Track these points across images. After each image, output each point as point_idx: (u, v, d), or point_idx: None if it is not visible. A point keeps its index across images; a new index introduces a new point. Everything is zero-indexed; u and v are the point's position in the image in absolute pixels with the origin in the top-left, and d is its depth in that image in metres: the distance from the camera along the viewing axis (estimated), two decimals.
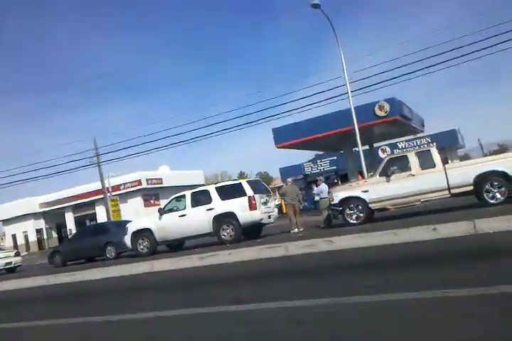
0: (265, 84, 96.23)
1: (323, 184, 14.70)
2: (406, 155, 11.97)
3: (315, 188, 14.98)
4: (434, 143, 31.54)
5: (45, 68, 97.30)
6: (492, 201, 10.40)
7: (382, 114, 21.92)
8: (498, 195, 10.39)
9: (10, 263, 19.68)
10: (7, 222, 46.03)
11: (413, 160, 11.53)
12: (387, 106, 21.75)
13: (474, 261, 5.02)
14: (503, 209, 8.29)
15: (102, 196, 33.23)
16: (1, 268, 19.33)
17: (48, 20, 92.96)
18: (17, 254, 20.94)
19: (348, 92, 19.54)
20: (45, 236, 46.02)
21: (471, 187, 10.75)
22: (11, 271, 19.51)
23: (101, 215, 38.01)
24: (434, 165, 11.32)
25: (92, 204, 41.22)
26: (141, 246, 14.19)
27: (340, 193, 12.19)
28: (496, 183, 10.43)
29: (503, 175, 10.40)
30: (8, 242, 45.83)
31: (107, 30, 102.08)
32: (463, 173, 10.89)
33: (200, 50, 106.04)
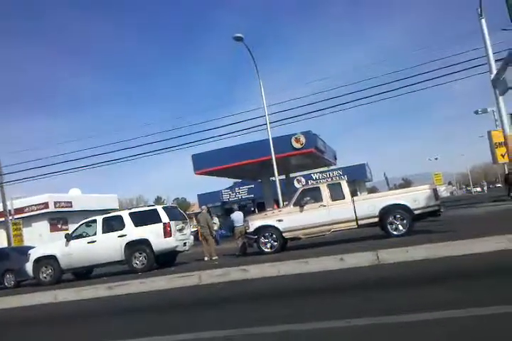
0: (187, 111, 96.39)
1: (237, 212, 14.91)
2: (319, 187, 12.53)
3: (232, 216, 15.13)
4: (345, 176, 33.42)
5: None
6: (395, 232, 11.17)
7: (298, 145, 22.90)
8: (401, 227, 11.20)
9: None
10: None
11: (325, 192, 12.09)
12: (303, 139, 22.79)
13: (377, 290, 5.35)
14: (404, 241, 8.93)
15: (3, 219, 30.66)
16: None
17: None
18: None
19: (267, 123, 20.25)
20: None
21: (377, 219, 11.48)
22: None
23: (1, 239, 34.90)
24: (343, 197, 11.96)
25: None
26: (44, 275, 13.28)
27: (256, 222, 12.40)
28: (398, 216, 11.24)
29: (405, 208, 11.27)
30: None
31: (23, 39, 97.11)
32: (369, 205, 11.61)
33: (123, 75, 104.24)
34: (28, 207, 36.41)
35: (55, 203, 37.57)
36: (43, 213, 36.88)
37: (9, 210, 29.89)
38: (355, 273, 6.80)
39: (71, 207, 38.47)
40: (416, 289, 5.04)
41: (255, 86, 20.88)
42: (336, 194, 12.08)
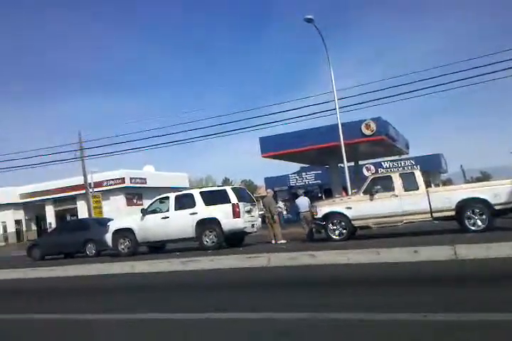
0: (256, 95, 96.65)
1: (302, 197, 14.91)
2: (390, 176, 12.22)
3: (297, 201, 15.17)
4: (418, 166, 32.17)
5: (33, 57, 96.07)
6: (473, 228, 10.66)
7: (368, 132, 22.26)
8: (479, 223, 10.67)
9: None
10: None
11: (397, 181, 11.77)
12: (373, 125, 22.11)
13: (454, 286, 5.20)
14: (484, 237, 8.54)
15: (83, 191, 32.91)
16: None
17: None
18: None
19: (336, 108, 19.85)
20: (24, 228, 45.22)
21: (453, 213, 11.02)
22: None
23: (82, 211, 37.56)
24: (417, 188, 11.58)
25: (73, 199, 40.73)
26: (122, 246, 14.10)
27: (324, 208, 12.36)
28: (477, 210, 10.72)
29: (485, 202, 10.71)
30: None
31: (107, 25, 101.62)
32: (445, 198, 11.16)
33: (197, 56, 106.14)
34: (106, 181, 38.69)
35: (131, 179, 39.66)
36: (119, 188, 39.10)
37: (89, 183, 31.99)
38: (429, 267, 6.63)
39: (145, 183, 40.44)
40: (497, 288, 4.84)
41: (326, 71, 20.40)
42: (409, 184, 11.72)
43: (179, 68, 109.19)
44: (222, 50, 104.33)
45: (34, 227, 45.85)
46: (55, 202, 42.90)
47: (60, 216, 42.34)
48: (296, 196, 15.97)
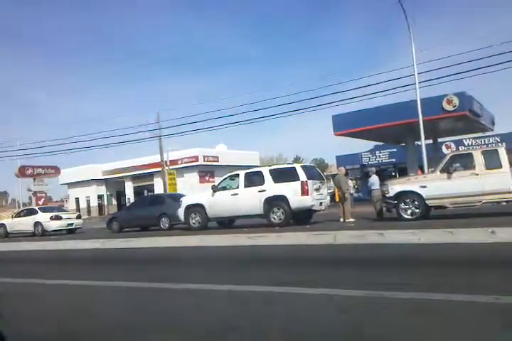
0: (331, 70, 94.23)
1: (374, 176, 14.45)
2: (471, 153, 11.48)
3: (369, 180, 14.73)
4: (503, 144, 29.88)
5: (113, 39, 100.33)
6: None
7: (450, 108, 20.97)
8: None
9: (71, 224, 20.94)
10: (72, 185, 48.81)
11: (478, 159, 11.02)
12: (456, 100, 20.77)
13: None
14: None
15: (160, 169, 34.43)
16: (63, 228, 20.60)
17: None
18: (78, 217, 22.24)
19: (415, 83, 18.83)
20: (105, 203, 48.53)
21: None
22: (71, 232, 20.78)
23: (158, 187, 39.45)
24: (500, 166, 10.78)
25: (150, 176, 42.76)
26: (193, 221, 14.63)
27: (396, 186, 11.91)
28: None
29: None
30: (72, 205, 48.70)
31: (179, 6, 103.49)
32: None
33: (268, 32, 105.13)
34: (181, 159, 40.09)
35: (204, 157, 40.79)
36: (193, 165, 40.42)
37: (165, 161, 33.35)
38: (507, 249, 6.17)
39: (217, 161, 41.41)
40: None
41: (406, 43, 19.25)
42: (492, 162, 10.92)
43: (251, 46, 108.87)
44: (294, 27, 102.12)
45: (114, 202, 49.01)
46: (134, 178, 45.33)
47: (138, 191, 44.74)
48: (368, 175, 15.52)
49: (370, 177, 14.66)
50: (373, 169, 15.84)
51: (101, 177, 47.39)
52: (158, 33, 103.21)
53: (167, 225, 16.79)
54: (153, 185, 42.75)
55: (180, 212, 14.92)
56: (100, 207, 48.34)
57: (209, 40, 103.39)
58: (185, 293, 4.98)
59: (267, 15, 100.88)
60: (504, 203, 11.63)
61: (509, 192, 10.51)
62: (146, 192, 43.51)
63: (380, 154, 36.97)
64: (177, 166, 38.65)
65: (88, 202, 48.56)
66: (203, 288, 5.03)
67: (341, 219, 13.64)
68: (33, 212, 21.55)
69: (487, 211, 11.46)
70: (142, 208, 17.99)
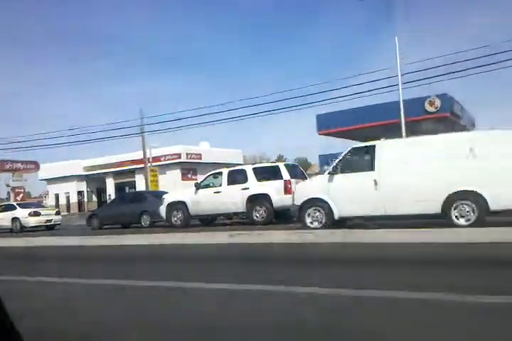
0: (315, 71, 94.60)
1: None
2: None
3: None
4: None
5: (93, 35, 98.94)
6: None
7: (432, 109, 21.35)
8: None
9: (50, 220, 20.62)
10: (51, 181, 48.02)
11: None
12: (438, 102, 21.15)
13: None
14: None
15: (142, 165, 34.10)
16: (42, 224, 20.27)
17: None
18: (57, 213, 21.92)
19: (398, 84, 19.02)
20: (85, 199, 47.85)
21: None
22: (50, 229, 20.45)
23: (140, 184, 39.07)
24: None
25: (132, 173, 42.34)
26: (175, 218, 14.52)
27: None
28: None
29: None
30: (51, 201, 47.92)
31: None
32: None
33: (251, 32, 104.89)
34: (164, 156, 39.81)
35: (187, 154, 40.58)
36: (176, 163, 40.17)
37: (148, 158, 33.05)
38: None
39: (200, 159, 41.25)
40: None
41: (391, 45, 19.45)
42: None
43: (234, 44, 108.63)
44: (279, 25, 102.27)
45: (95, 198, 48.38)
46: (115, 175, 44.83)
47: (119, 188, 44.27)
48: None
49: None
50: None
51: (82, 173, 46.73)
52: (153, 29, 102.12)
53: (148, 222, 16.64)
54: (134, 181, 42.34)
55: (162, 210, 14.80)
56: (80, 203, 47.67)
57: (195, 39, 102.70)
58: (153, 290, 4.96)
59: (252, 16, 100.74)
60: None
61: None
62: (127, 189, 43.08)
63: None
64: (160, 163, 38.37)
65: (68, 198, 47.86)
66: (176, 286, 5.00)
67: None
68: (11, 207, 21.18)
69: None
70: (123, 205, 17.80)
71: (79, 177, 46.88)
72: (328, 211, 9.91)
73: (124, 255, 9.48)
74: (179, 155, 40.10)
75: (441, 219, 8.95)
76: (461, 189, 8.74)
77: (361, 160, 10.38)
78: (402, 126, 19.03)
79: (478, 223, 8.31)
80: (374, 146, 10.02)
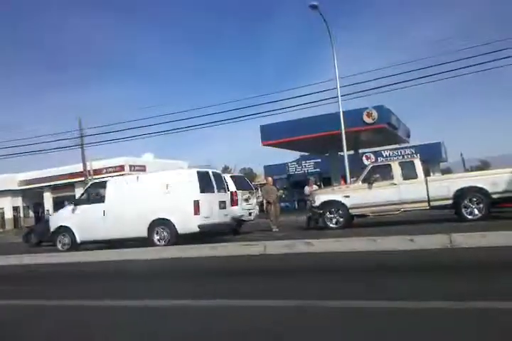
0: (256, 82, 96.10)
1: (315, 186, 14.91)
2: (390, 164, 12.21)
3: (306, 189, 15.12)
4: (418, 155, 32.09)
5: (36, 44, 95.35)
6: (470, 216, 10.67)
7: (369, 120, 22.19)
8: (476, 211, 10.66)
9: None
10: None
11: (396, 170, 11.74)
12: (375, 114, 22.03)
13: (451, 274, 5.17)
14: (480, 226, 8.51)
15: (82, 179, 32.92)
16: None
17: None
18: None
19: (338, 96, 19.73)
20: (21, 215, 45.35)
21: (451, 201, 11.01)
22: None
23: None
24: (416, 176, 11.56)
25: (71, 186, 40.75)
26: None
27: (322, 196, 12.35)
28: (474, 199, 10.69)
29: (483, 191, 10.68)
30: None
31: (104, 12, 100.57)
32: (443, 187, 11.15)
33: (196, 42, 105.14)
34: (106, 168, 38.67)
35: (130, 166, 39.65)
36: (119, 175, 39.06)
37: (88, 170, 31.98)
38: (424, 255, 6.61)
39: (144, 170, 40.35)
40: (489, 275, 4.80)
41: (328, 58, 20.24)
42: (408, 172, 11.71)
43: (179, 54, 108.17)
44: (224, 38, 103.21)
45: (32, 214, 46.01)
46: (54, 189, 42.93)
47: (57, 203, 42.40)
48: (296, 184, 16.01)
49: (310, 186, 15.04)
50: (312, 178, 16.30)
51: (17, 187, 44.33)
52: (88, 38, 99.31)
53: None
54: (74, 196, 40.69)
55: None
56: (16, 219, 45.09)
57: (141, 49, 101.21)
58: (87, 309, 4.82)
59: (198, 27, 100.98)
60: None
61: (424, 201, 11.29)
62: (66, 203, 41.33)
63: (306, 164, 38.19)
64: (102, 176, 37.15)
65: (2, 214, 45.13)
66: (115, 304, 4.89)
67: (273, 229, 13.81)
68: None
69: (408, 219, 12.18)
70: None
71: (13, 192, 44.42)
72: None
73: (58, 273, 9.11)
74: (122, 167, 39.10)
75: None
76: (159, 216, 11.01)
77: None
78: (343, 137, 19.72)
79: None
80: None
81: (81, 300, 5.36)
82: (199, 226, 10.78)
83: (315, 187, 15.04)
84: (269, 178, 15.83)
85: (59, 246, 12.40)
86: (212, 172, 12.08)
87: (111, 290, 6.10)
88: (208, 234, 11.39)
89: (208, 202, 11.10)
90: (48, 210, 41.97)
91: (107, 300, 5.15)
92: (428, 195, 11.23)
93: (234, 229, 13.87)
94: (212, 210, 11.24)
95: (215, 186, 11.59)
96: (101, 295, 5.61)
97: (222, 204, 11.72)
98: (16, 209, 45.31)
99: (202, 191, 10.99)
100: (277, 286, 5.38)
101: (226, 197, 12.17)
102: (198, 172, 11.32)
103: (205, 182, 11.28)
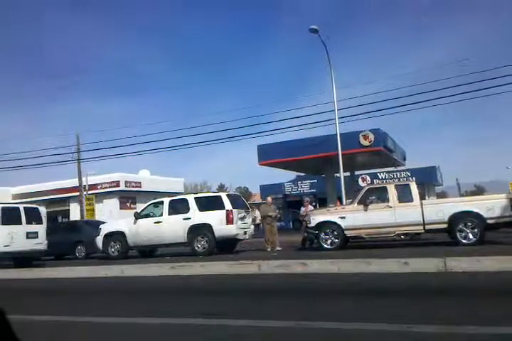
0: (255, 102, 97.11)
1: (311, 206, 14.90)
2: (386, 187, 12.25)
3: (302, 209, 15.10)
4: (413, 178, 32.24)
5: (36, 57, 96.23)
6: (464, 241, 10.68)
7: (366, 143, 22.34)
8: (471, 236, 10.68)
9: None
10: None
11: (392, 192, 11.78)
12: (371, 136, 22.20)
13: (442, 298, 5.16)
14: (474, 250, 8.52)
15: (77, 193, 32.77)
16: None
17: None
18: None
19: (335, 118, 19.93)
20: None
21: (446, 225, 11.03)
22: None
23: (74, 213, 37.29)
24: (411, 200, 11.60)
25: (66, 201, 40.48)
26: (113, 249, 14.02)
27: (317, 217, 12.34)
28: (469, 224, 10.72)
29: (478, 216, 10.72)
30: None
31: (110, 29, 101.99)
32: (439, 211, 11.18)
33: (197, 61, 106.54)
34: (101, 184, 38.49)
35: (126, 182, 39.47)
36: (114, 191, 38.90)
37: (84, 185, 31.87)
38: (418, 279, 6.60)
39: (140, 187, 40.23)
40: (483, 300, 4.80)
41: (327, 80, 20.50)
42: (404, 195, 11.75)
43: (180, 73, 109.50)
44: (223, 58, 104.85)
45: None
46: (48, 203, 42.60)
47: (51, 217, 41.99)
48: (291, 203, 16.01)
49: (305, 206, 15.02)
50: (308, 198, 16.29)
51: (11, 201, 44.00)
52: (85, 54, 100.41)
53: (83, 254, 15.90)
54: (69, 210, 40.40)
55: (99, 240, 14.25)
56: None
57: (140, 65, 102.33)
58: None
59: (200, 49, 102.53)
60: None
61: (419, 225, 11.31)
62: (60, 219, 40.99)
63: (302, 184, 38.20)
64: (97, 191, 37.03)
65: None
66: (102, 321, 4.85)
67: (268, 249, 13.72)
68: None
69: (403, 242, 12.18)
70: (56, 235, 16.85)
71: None
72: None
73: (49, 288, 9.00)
74: (117, 183, 38.91)
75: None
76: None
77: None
78: (340, 158, 19.83)
79: None
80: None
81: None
82: None
83: (311, 207, 15.02)
84: (269, 198, 15.78)
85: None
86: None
87: None
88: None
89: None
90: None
91: None
92: (423, 218, 11.25)
93: (230, 248, 13.79)
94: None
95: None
96: None
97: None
98: None
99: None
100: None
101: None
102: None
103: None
